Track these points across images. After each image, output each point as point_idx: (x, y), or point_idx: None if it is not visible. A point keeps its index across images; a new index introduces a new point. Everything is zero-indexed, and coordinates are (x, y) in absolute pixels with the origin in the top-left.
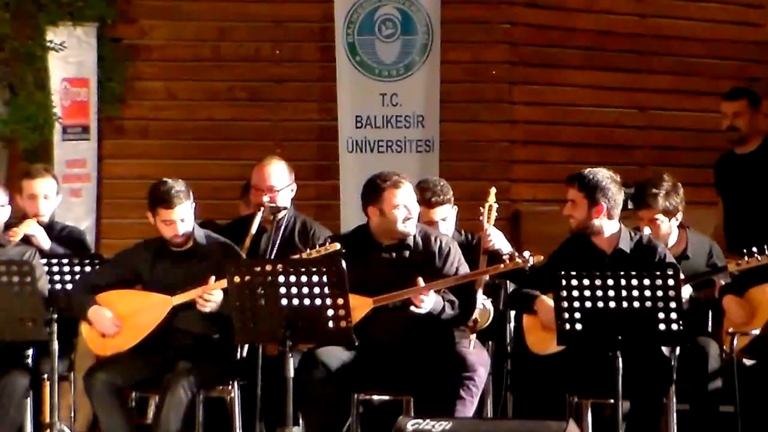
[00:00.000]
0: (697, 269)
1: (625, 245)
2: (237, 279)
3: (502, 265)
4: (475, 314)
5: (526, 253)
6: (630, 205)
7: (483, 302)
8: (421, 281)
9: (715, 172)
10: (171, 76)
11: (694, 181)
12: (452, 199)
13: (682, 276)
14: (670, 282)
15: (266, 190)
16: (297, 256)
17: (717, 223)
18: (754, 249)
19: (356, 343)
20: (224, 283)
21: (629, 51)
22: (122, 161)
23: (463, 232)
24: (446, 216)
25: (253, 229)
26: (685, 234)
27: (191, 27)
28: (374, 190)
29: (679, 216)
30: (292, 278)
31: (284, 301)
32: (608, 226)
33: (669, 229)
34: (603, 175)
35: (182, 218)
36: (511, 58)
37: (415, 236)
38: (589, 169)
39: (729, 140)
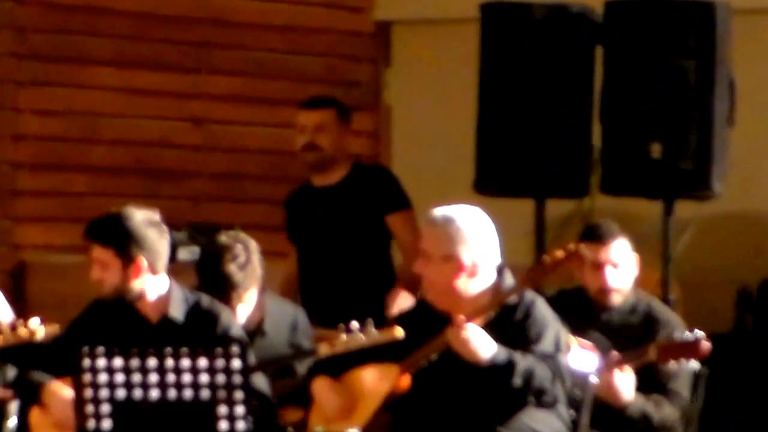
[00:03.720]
0: (276, 349)
1: (178, 311)
2: None
3: None
4: None
5: (35, 321)
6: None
7: None
8: None
9: (286, 211)
10: None
11: (267, 224)
12: None
13: (252, 357)
14: (235, 364)
15: None
16: None
17: (287, 278)
18: (354, 324)
19: None
20: None
21: (182, 42)
22: None
23: None
24: None
25: None
26: (262, 301)
27: None
28: None
29: (254, 290)
30: None
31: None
32: (153, 285)
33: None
34: (136, 219)
35: None
36: (18, 49)
37: None
38: (115, 213)
39: (307, 164)
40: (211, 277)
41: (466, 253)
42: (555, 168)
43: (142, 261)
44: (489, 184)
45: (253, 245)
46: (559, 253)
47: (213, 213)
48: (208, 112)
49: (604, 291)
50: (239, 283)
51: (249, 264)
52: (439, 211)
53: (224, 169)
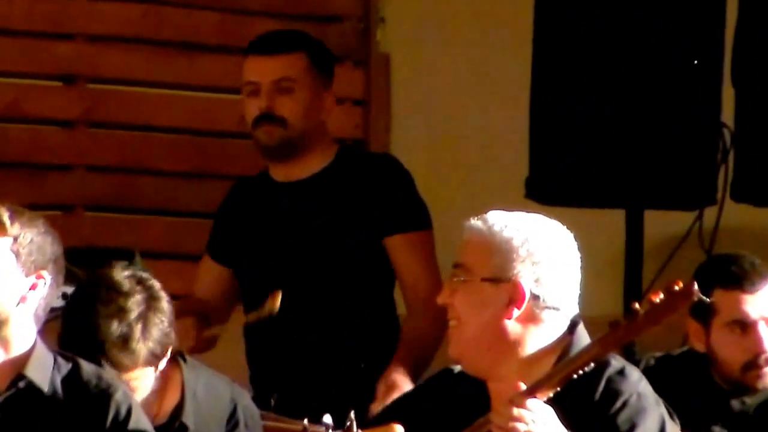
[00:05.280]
0: None
1: (41, 377)
2: None
3: None
4: None
5: None
6: None
7: None
8: None
9: (218, 219)
10: None
11: (186, 250)
12: None
13: None
14: None
15: None
16: None
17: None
18: (326, 419)
19: None
20: None
21: None
22: None
23: None
24: None
25: None
26: (181, 380)
27: None
28: None
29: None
30: None
31: None
32: (22, 328)
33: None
34: (36, 230)
35: None
36: None
37: None
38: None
39: (262, 148)
40: (78, 347)
41: (529, 277)
42: (659, 162)
43: (47, 275)
44: (550, 187)
45: (164, 303)
46: (662, 298)
47: (98, 230)
48: (87, 63)
49: (760, 364)
50: (122, 363)
51: (145, 329)
52: (490, 214)
53: (115, 158)
